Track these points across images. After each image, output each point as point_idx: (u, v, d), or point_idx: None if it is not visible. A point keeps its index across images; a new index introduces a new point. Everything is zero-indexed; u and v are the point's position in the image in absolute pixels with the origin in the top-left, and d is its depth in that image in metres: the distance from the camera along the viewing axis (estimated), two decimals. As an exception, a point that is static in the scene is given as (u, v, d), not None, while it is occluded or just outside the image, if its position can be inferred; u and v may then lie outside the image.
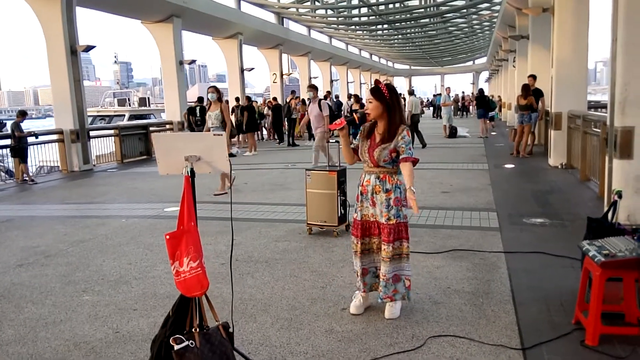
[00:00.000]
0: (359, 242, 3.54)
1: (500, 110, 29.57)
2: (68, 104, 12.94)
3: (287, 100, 19.46)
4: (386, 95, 3.34)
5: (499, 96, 32.14)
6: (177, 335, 2.41)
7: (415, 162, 3.36)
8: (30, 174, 11.57)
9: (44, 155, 13.27)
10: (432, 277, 4.34)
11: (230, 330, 2.68)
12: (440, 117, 23.40)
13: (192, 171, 2.53)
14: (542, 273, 4.36)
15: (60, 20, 12.61)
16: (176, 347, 2.37)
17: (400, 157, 3.34)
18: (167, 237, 2.44)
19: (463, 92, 41.07)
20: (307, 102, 17.11)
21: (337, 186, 5.63)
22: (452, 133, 17.82)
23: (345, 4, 25.93)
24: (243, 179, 9.99)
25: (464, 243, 5.26)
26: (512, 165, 10.65)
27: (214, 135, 2.51)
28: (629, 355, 2.94)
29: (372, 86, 3.43)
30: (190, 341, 2.41)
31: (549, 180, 8.89)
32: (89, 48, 13.28)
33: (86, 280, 4.52)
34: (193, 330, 2.48)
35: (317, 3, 25.80)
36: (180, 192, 2.46)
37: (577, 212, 6.44)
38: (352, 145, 3.52)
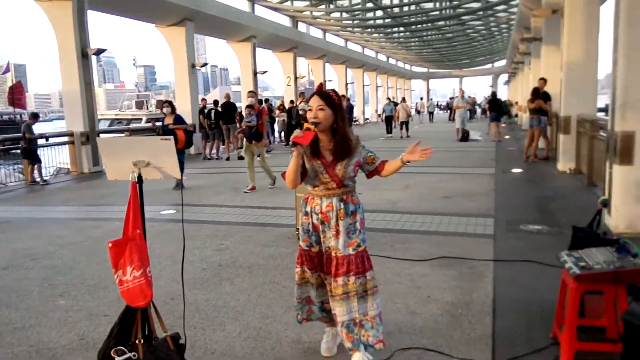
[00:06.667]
0: (314, 274, 2.95)
1: (516, 115, 29.16)
2: (78, 107, 13.08)
3: (297, 103, 19.43)
4: (336, 102, 2.83)
5: (516, 102, 31.71)
6: (119, 347, 2.34)
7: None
8: (43, 176, 11.74)
9: (60, 157, 13.50)
10: (414, 285, 4.21)
11: (181, 341, 2.61)
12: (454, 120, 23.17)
13: (139, 177, 2.47)
14: (529, 283, 4.20)
15: (72, 24, 12.77)
16: (117, 359, 2.31)
17: (378, 163, 2.93)
18: (110, 245, 2.38)
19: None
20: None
21: (326, 191, 5.53)
22: (464, 137, 17.56)
23: (360, 6, 25.82)
24: (245, 183, 9.94)
25: (454, 250, 5.11)
26: (520, 170, 10.41)
27: (162, 140, 2.44)
28: (604, 374, 2.79)
29: (320, 90, 2.83)
30: (133, 353, 2.35)
31: (554, 186, 8.65)
32: (99, 51, 13.41)
33: (66, 284, 4.51)
34: (137, 341, 2.41)
35: (331, 6, 25.74)
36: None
37: (577, 220, 6.13)
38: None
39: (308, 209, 2.88)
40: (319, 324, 3.26)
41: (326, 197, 2.83)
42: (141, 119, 24.02)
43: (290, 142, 2.62)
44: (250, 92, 10.37)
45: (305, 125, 2.68)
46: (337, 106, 2.82)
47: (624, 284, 2.92)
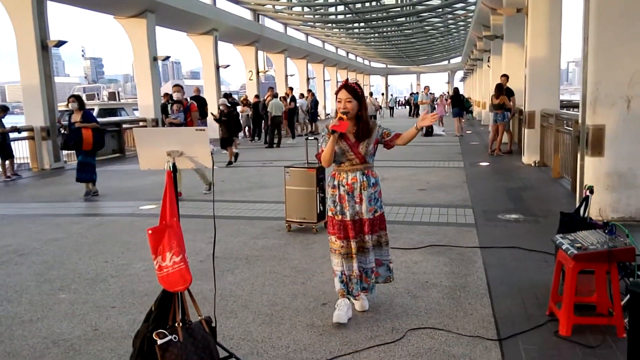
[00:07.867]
0: (353, 242, 3.42)
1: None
2: (38, 100, 12.65)
3: (265, 98, 19.38)
4: (360, 94, 3.40)
5: (469, 98, 32.71)
6: (160, 330, 2.40)
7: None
8: (7, 172, 11.31)
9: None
10: (411, 271, 4.40)
11: (213, 324, 2.68)
12: (417, 116, 23.75)
13: (174, 166, 2.52)
14: (517, 267, 4.46)
15: (31, 15, 12.32)
16: (159, 341, 2.37)
17: (393, 135, 3.52)
18: (150, 232, 2.43)
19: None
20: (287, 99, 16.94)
21: (316, 183, 5.66)
22: (428, 132, 17.99)
23: (321, 1, 25.95)
24: (220, 177, 9.94)
25: (441, 239, 5.34)
26: (487, 163, 10.83)
27: (197, 130, 2.51)
28: (600, 344, 3.04)
29: (347, 84, 3.38)
30: (174, 335, 2.41)
31: (522, 177, 9.07)
32: (60, 43, 13.01)
33: (62, 279, 4.45)
34: (176, 324, 2.47)
35: (293, 0, 25.75)
36: (156, 190, 2.47)
37: (550, 209, 6.59)
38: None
39: (335, 183, 3.47)
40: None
41: (351, 171, 3.42)
42: (93, 110, 23.51)
43: (330, 130, 3.23)
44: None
45: (339, 115, 3.28)
46: (361, 97, 3.41)
47: (616, 262, 3.19)
